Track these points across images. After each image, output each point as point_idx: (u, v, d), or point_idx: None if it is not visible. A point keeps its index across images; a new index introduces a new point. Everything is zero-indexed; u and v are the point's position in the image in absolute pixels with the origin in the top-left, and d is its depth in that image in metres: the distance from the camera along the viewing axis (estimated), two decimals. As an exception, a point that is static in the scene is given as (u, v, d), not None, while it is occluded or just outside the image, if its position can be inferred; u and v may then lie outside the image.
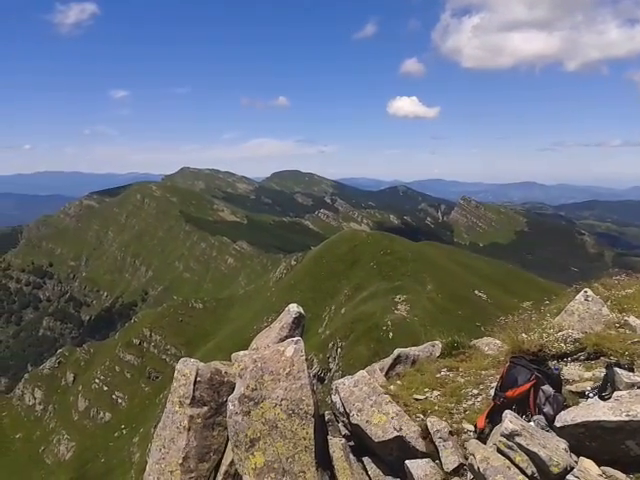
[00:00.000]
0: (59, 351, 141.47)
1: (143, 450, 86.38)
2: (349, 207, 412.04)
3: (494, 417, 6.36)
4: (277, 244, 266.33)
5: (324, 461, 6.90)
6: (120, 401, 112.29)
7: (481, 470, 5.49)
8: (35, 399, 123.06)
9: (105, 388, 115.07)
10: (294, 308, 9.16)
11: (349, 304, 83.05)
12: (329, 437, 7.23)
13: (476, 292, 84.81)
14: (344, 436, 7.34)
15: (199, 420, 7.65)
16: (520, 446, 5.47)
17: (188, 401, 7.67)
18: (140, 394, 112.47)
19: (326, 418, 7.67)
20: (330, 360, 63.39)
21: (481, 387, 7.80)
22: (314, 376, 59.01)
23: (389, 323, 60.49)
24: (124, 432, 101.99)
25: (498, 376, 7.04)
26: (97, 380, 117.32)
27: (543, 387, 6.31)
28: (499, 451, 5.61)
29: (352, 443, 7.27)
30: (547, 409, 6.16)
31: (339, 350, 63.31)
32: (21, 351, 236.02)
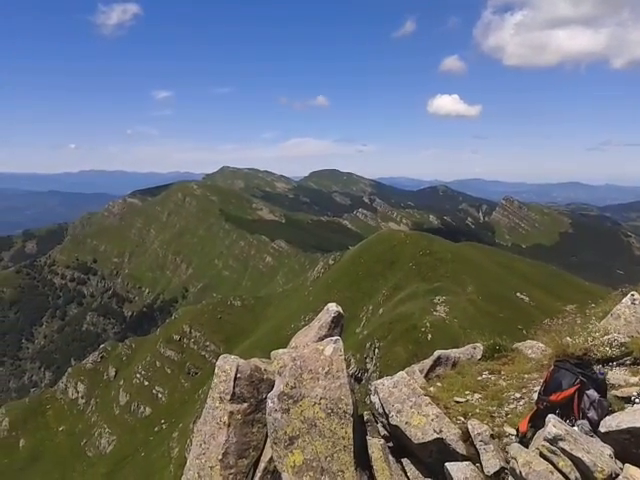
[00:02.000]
0: (102, 346, 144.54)
1: (182, 445, 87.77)
2: (388, 207, 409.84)
3: (537, 421, 6.26)
4: (315, 243, 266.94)
5: (363, 461, 6.88)
6: (160, 396, 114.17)
7: (523, 474, 5.42)
8: (78, 393, 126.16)
9: (146, 383, 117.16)
10: (333, 307, 9.16)
11: (387, 304, 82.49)
12: (368, 437, 7.21)
13: (518, 294, 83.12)
14: (383, 437, 7.31)
15: (239, 416, 7.72)
16: (564, 451, 5.38)
17: (228, 397, 7.75)
18: (180, 389, 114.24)
19: (365, 418, 7.65)
20: (367, 360, 63.11)
21: (524, 391, 7.69)
22: (351, 376, 58.88)
23: (428, 324, 59.83)
24: (164, 427, 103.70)
25: (541, 380, 6.95)
26: (138, 375, 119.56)
27: (588, 392, 6.19)
28: (542, 456, 5.52)
29: (391, 444, 7.23)
30: (592, 414, 6.04)
31: (376, 350, 62.96)
32: (65, 345, 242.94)
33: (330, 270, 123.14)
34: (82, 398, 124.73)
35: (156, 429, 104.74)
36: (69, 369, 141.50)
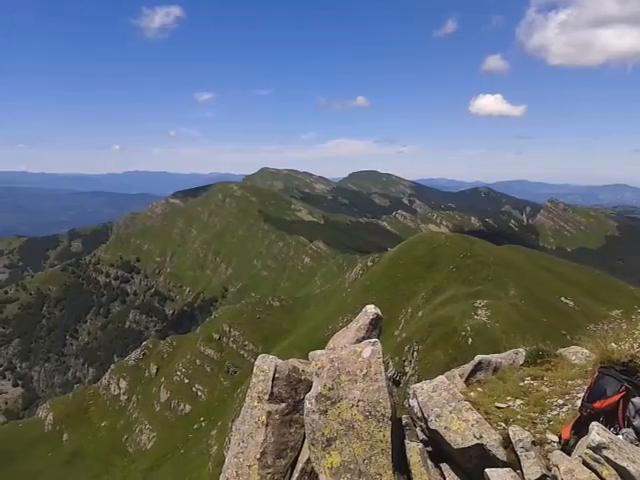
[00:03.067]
0: (144, 343, 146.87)
1: (221, 443, 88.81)
2: (427, 208, 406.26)
3: (580, 429, 6.14)
4: (353, 245, 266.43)
5: (401, 465, 6.82)
6: (200, 394, 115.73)
7: None
8: (120, 389, 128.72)
9: (186, 381, 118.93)
10: (371, 309, 9.12)
11: (426, 307, 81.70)
12: (406, 441, 7.15)
13: (562, 299, 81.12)
14: (421, 441, 7.23)
15: (277, 416, 7.76)
16: (607, 459, 5.25)
17: (266, 397, 7.79)
18: (219, 388, 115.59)
19: (403, 422, 7.59)
20: (406, 363, 62.59)
21: (567, 397, 7.54)
22: (390, 379, 58.52)
23: (468, 328, 58.93)
24: (203, 425, 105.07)
25: (585, 386, 6.82)
26: (178, 372, 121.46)
27: (634, 399, 6.04)
28: (585, 464, 5.41)
29: (430, 448, 7.15)
30: (637, 422, 5.89)
31: (415, 354, 62.38)
32: (108, 342, 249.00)
33: (368, 272, 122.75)
34: (124, 394, 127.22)
35: (195, 427, 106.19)
36: (112, 366, 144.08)
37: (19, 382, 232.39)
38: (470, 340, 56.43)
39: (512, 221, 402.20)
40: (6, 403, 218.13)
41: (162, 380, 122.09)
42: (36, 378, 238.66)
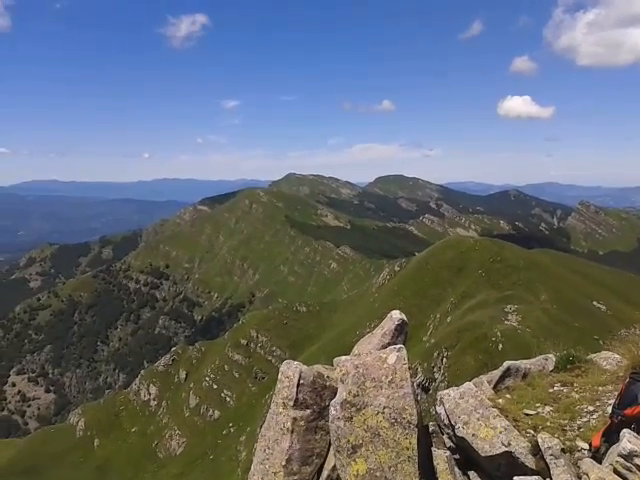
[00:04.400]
0: (173, 349, 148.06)
1: (249, 449, 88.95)
2: (455, 212, 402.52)
3: (611, 436, 5.98)
4: (380, 250, 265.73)
5: (428, 473, 6.73)
6: (228, 399, 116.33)
7: None
8: (150, 395, 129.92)
9: (215, 386, 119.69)
10: (397, 315, 9.04)
11: (455, 312, 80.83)
12: (433, 449, 7.06)
13: (595, 303, 79.50)
14: (449, 448, 7.14)
15: (302, 423, 7.73)
16: (639, 468, 5.08)
17: (292, 403, 7.77)
18: (247, 393, 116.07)
19: (430, 429, 7.50)
20: (435, 370, 61.96)
21: (597, 404, 7.38)
22: (418, 385, 58.05)
23: (498, 334, 58.03)
24: (232, 430, 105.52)
25: (616, 393, 6.67)
26: (207, 378, 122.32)
27: None
28: (616, 472, 5.30)
29: (457, 456, 7.05)
30: (668, 429, 5.68)
31: (444, 360, 61.69)
32: (138, 348, 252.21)
33: (396, 277, 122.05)
34: (154, 400, 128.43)
35: (224, 432, 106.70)
36: (142, 371, 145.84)
37: (51, 388, 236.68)
38: (500, 346, 55.59)
39: (542, 224, 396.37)
40: (39, 409, 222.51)
41: (191, 386, 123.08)
42: (68, 384, 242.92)
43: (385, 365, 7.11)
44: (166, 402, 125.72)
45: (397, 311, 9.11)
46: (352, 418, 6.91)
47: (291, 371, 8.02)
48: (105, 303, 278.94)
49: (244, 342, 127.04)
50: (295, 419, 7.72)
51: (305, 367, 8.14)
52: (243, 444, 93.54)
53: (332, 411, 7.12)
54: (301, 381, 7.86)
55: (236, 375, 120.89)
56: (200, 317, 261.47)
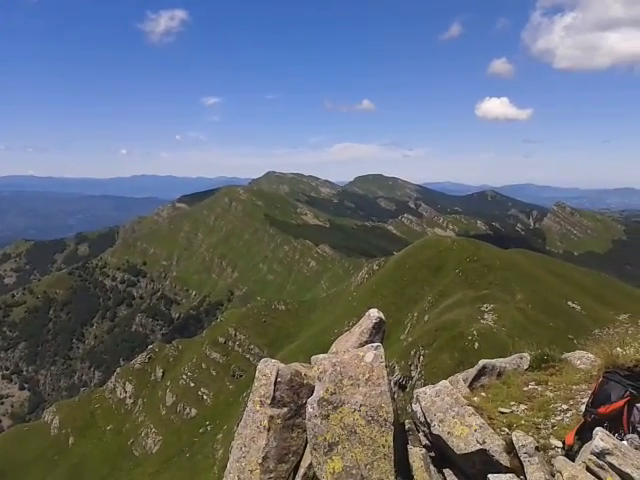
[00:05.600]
0: (150, 347, 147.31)
1: (226, 447, 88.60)
2: (434, 212, 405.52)
3: (584, 434, 6.08)
4: (359, 248, 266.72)
5: (403, 470, 6.76)
6: (205, 397, 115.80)
7: None
8: (126, 392, 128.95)
9: (192, 384, 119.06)
10: (374, 313, 9.06)
11: (432, 311, 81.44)
12: (409, 446, 7.09)
13: (570, 303, 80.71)
14: (424, 446, 7.17)
15: (279, 421, 7.70)
16: (612, 466, 5.20)
17: (269, 401, 7.74)
18: (225, 391, 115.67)
19: (406, 427, 7.53)
20: (412, 368, 62.37)
21: (571, 402, 7.48)
22: (395, 383, 58.40)
23: (475, 333, 58.62)
24: (208, 428, 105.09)
25: (590, 391, 6.77)
26: (184, 376, 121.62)
27: (638, 404, 5.98)
28: (588, 470, 5.38)
29: (433, 454, 7.09)
30: (642, 428, 5.79)
31: (421, 358, 62.14)
32: (114, 346, 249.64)
33: (374, 275, 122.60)
34: (130, 398, 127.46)
35: (201, 430, 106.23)
36: (118, 369, 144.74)
37: (25, 385, 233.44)
38: (477, 344, 56.18)
39: (519, 225, 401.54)
40: (12, 406, 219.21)
41: (168, 384, 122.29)
42: (42, 381, 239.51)
43: (362, 363, 7.12)
44: (142, 400, 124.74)
45: (375, 309, 9.12)
46: (329, 416, 6.90)
47: (268, 369, 7.98)
48: (81, 300, 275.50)
49: (222, 340, 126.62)
50: (272, 417, 7.69)
51: (283, 365, 8.11)
52: (220, 442, 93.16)
53: (309, 409, 7.11)
54: (278, 379, 7.83)
55: (213, 373, 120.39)
56: (178, 315, 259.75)
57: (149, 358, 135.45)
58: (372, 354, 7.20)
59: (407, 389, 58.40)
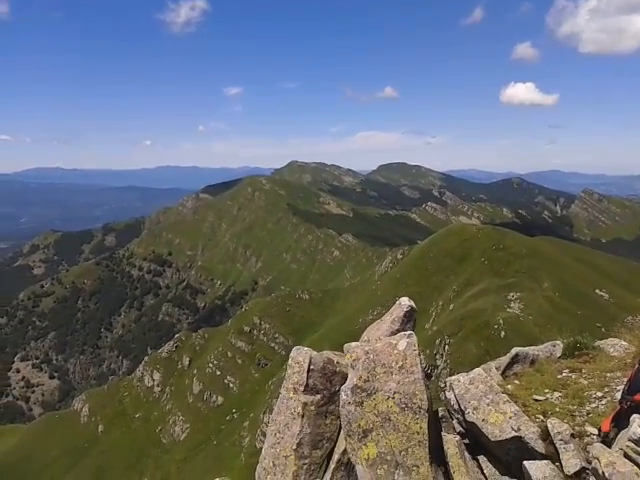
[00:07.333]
0: (176, 336, 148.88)
1: (252, 435, 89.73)
2: (458, 200, 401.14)
3: (620, 421, 6.05)
4: (382, 237, 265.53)
5: (438, 457, 6.81)
6: (232, 386, 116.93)
7: (606, 475, 5.28)
8: (154, 381, 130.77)
9: (218, 373, 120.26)
10: (405, 302, 9.07)
11: (458, 300, 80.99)
12: (443, 433, 7.14)
13: (597, 291, 79.54)
14: (458, 433, 7.21)
15: (312, 407, 7.80)
16: (650, 452, 5.16)
17: (302, 388, 7.84)
18: (250, 380, 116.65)
19: (440, 414, 7.57)
20: (437, 356, 62.27)
21: (606, 390, 7.43)
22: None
23: (501, 321, 58.24)
24: (235, 416, 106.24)
25: (625, 379, 6.71)
26: (210, 365, 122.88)
27: None
28: (626, 456, 5.36)
29: (466, 441, 7.12)
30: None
31: (446, 347, 61.99)
32: (142, 335, 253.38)
33: (398, 264, 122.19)
34: (157, 386, 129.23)
35: (228, 418, 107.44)
36: (145, 358, 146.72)
37: (55, 374, 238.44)
38: (503, 333, 55.85)
39: (545, 212, 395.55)
40: (43, 395, 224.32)
41: (194, 372, 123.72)
42: (72, 370, 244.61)
43: (395, 351, 7.17)
44: (170, 388, 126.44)
45: (406, 298, 9.14)
46: (363, 403, 6.98)
47: (301, 357, 8.08)
48: (108, 290, 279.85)
49: (247, 329, 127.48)
50: (305, 404, 7.79)
51: (315, 353, 8.20)
52: (246, 430, 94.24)
53: (343, 396, 7.19)
54: (311, 367, 7.93)
55: (239, 362, 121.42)
56: (203, 304, 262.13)
57: (176, 347, 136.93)
58: (405, 342, 7.24)
59: (432, 378, 58.31)
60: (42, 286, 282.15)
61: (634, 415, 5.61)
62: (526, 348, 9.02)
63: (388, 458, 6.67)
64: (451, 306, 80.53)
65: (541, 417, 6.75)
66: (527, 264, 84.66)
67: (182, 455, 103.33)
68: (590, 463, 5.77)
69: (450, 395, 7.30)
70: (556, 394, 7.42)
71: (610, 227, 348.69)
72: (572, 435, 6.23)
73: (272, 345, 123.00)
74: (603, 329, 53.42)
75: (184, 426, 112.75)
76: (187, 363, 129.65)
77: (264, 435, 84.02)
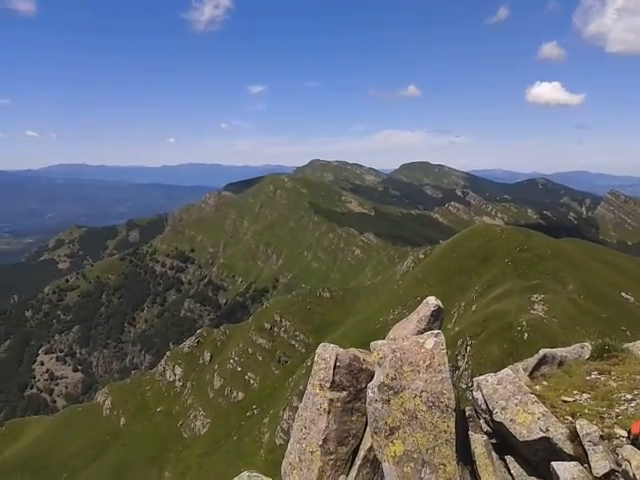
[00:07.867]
0: (198, 331, 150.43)
1: (272, 431, 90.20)
2: (482, 200, 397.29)
3: None
4: (404, 237, 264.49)
5: (465, 456, 6.81)
6: (252, 382, 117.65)
7: (638, 477, 5.28)
8: (175, 375, 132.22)
9: (239, 369, 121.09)
10: (432, 301, 9.06)
11: (480, 301, 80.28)
12: (470, 433, 7.13)
13: (622, 294, 78.23)
14: (485, 433, 7.19)
15: (338, 404, 7.86)
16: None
17: (328, 385, 7.89)
18: (271, 376, 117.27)
19: (467, 414, 7.56)
20: (459, 357, 61.81)
21: (635, 392, 7.35)
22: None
23: (524, 323, 57.54)
24: (255, 412, 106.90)
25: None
26: (232, 360, 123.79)
27: None
28: (657, 459, 5.28)
29: (494, 440, 7.11)
30: None
31: (468, 348, 61.49)
32: (164, 330, 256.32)
33: (420, 264, 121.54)
34: (179, 381, 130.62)
35: (248, 414, 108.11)
36: (167, 353, 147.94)
37: (79, 367, 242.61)
38: (526, 335, 55.21)
39: (571, 214, 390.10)
40: (66, 387, 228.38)
41: (216, 367, 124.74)
42: (95, 364, 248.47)
43: (423, 350, 7.18)
44: (191, 383, 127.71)
45: (433, 297, 9.13)
46: (390, 401, 7.01)
47: (327, 353, 8.13)
48: (132, 285, 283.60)
49: (268, 326, 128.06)
50: (332, 400, 7.85)
51: (341, 350, 8.24)
52: (266, 426, 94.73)
53: (370, 393, 7.23)
54: (337, 363, 7.98)
55: (260, 358, 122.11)
56: (224, 301, 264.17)
57: (198, 342, 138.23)
58: (433, 341, 7.25)
59: (454, 379, 57.97)
60: (67, 280, 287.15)
61: (665, 418, 5.57)
62: (554, 349, 8.95)
63: (415, 456, 6.69)
64: (474, 307, 79.86)
65: (570, 418, 6.71)
66: (552, 266, 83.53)
67: (203, 450, 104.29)
68: (620, 465, 5.73)
69: (477, 395, 7.30)
70: (585, 396, 7.37)
71: (637, 229, 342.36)
72: (601, 437, 6.17)
73: (292, 343, 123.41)
74: (628, 332, 52.64)
75: (205, 421, 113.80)
76: (208, 359, 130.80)
77: (284, 432, 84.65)
